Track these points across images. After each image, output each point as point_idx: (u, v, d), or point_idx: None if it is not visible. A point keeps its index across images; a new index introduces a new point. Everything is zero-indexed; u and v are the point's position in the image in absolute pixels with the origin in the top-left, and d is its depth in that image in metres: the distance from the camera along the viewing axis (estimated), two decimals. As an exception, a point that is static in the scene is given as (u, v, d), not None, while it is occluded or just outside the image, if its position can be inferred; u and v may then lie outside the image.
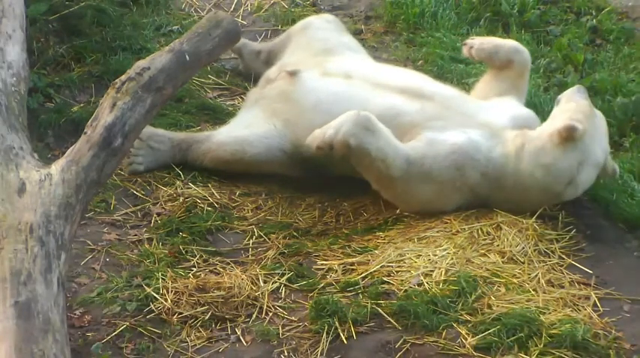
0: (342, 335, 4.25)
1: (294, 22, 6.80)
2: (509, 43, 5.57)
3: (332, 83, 5.37)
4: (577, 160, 4.95)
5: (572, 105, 5.10)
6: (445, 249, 4.73)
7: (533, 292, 4.51)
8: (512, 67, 5.44)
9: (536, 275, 4.63)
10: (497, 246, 4.79)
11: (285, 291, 4.56)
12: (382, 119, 5.01)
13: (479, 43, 5.52)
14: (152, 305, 4.40)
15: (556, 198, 5.03)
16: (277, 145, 5.36)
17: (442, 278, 4.54)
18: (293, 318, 4.39)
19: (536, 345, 4.17)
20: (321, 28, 5.91)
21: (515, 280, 4.58)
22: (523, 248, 4.79)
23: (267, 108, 5.46)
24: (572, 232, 4.98)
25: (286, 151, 5.35)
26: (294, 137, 5.29)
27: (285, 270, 4.66)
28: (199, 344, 4.26)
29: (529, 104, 5.71)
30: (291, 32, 6.08)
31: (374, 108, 5.06)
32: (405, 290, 4.48)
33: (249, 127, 5.45)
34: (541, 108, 5.68)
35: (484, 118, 5.15)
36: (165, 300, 4.42)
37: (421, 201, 5.03)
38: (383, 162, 4.94)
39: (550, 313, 4.36)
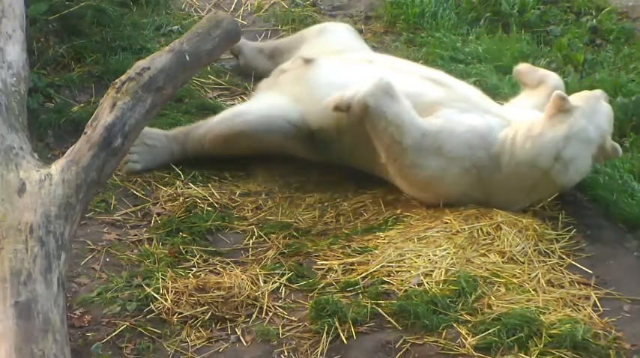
0: (342, 335, 4.25)
1: (294, 22, 6.82)
2: (547, 72, 5.64)
3: (351, 64, 5.44)
4: (563, 133, 4.94)
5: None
6: (445, 249, 4.73)
7: (533, 292, 4.51)
8: (544, 88, 5.46)
9: (536, 275, 4.63)
10: (497, 246, 4.79)
11: (285, 291, 4.56)
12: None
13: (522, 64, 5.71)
14: (152, 305, 4.40)
15: (546, 178, 4.98)
16: (282, 115, 5.34)
17: (442, 278, 4.54)
18: (293, 318, 4.39)
19: (536, 345, 4.17)
20: (339, 32, 5.95)
21: (515, 280, 4.58)
22: (523, 248, 4.79)
23: (279, 90, 5.49)
24: (572, 232, 4.99)
25: (291, 121, 5.33)
26: (302, 109, 5.31)
27: (285, 270, 4.66)
28: (199, 344, 4.26)
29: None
30: (305, 34, 6.10)
31: (396, 86, 5.11)
32: (405, 290, 4.48)
33: (254, 102, 5.51)
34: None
35: (502, 112, 5.22)
36: (165, 300, 4.42)
37: (428, 176, 5.03)
38: (397, 129, 4.98)
39: (550, 313, 4.36)
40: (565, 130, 4.95)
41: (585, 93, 5.19)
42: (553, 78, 5.51)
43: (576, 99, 5.07)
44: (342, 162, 5.38)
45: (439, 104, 5.13)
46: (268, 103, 5.44)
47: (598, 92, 5.19)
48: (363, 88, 5.01)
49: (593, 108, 5.05)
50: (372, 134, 5.06)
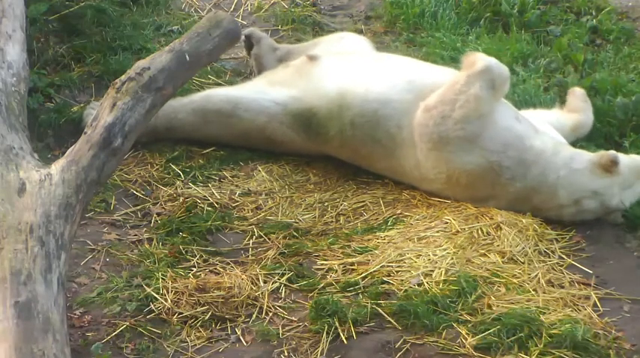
0: (342, 335, 4.25)
1: (294, 22, 6.83)
2: (590, 110, 5.68)
3: (355, 58, 5.54)
4: (596, 187, 4.98)
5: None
6: (445, 249, 4.73)
7: (533, 292, 4.51)
8: (575, 116, 5.58)
9: (536, 276, 4.63)
10: (497, 246, 4.79)
11: (285, 291, 4.56)
12: (416, 79, 5.22)
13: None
14: (152, 305, 4.40)
15: (557, 209, 5.02)
16: (269, 98, 5.46)
17: (442, 278, 4.54)
18: (293, 318, 4.39)
19: (536, 345, 4.17)
20: (355, 41, 5.99)
21: (515, 280, 4.58)
22: (523, 248, 4.79)
23: (273, 79, 5.59)
24: (572, 232, 4.99)
25: (278, 103, 5.42)
26: (295, 91, 5.41)
27: (285, 270, 4.66)
28: (199, 344, 4.26)
29: (529, 104, 5.73)
30: (320, 39, 6.19)
31: (405, 72, 5.26)
32: (405, 290, 4.48)
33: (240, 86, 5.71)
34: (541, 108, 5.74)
35: (530, 120, 5.27)
36: (165, 300, 4.42)
37: (451, 152, 5.03)
38: (472, 102, 5.01)
39: (550, 313, 4.36)
40: (598, 186, 4.98)
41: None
42: (587, 116, 5.59)
43: (627, 161, 5.08)
44: (328, 146, 5.41)
45: None
46: (255, 87, 5.58)
47: None
48: (491, 60, 5.13)
49: (631, 184, 5.07)
50: (450, 83, 5.08)
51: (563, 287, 4.59)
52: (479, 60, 5.12)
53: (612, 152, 5.05)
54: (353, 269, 4.67)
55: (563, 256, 4.81)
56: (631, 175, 5.07)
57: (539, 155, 5.04)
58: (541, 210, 5.04)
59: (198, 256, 4.76)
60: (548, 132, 5.25)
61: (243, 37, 6.06)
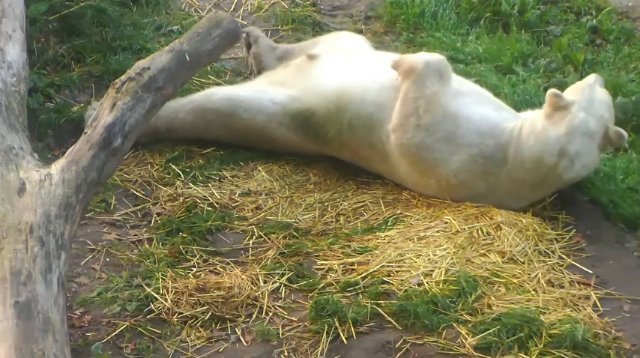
0: (342, 335, 4.25)
1: (294, 22, 6.83)
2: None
3: (355, 57, 5.54)
4: (564, 129, 4.96)
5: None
6: (445, 249, 4.73)
7: (533, 292, 4.51)
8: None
9: (536, 275, 4.63)
10: (497, 246, 4.79)
11: (285, 291, 4.56)
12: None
13: None
14: (152, 305, 4.40)
15: (552, 173, 5.00)
16: (268, 97, 5.47)
17: (442, 278, 4.54)
18: (293, 318, 4.39)
19: (536, 345, 4.17)
20: (353, 40, 6.00)
21: (515, 280, 4.58)
22: (523, 248, 4.79)
23: (274, 78, 5.60)
24: (572, 232, 4.99)
25: (277, 102, 5.44)
26: (294, 91, 5.42)
27: (285, 270, 4.66)
28: (199, 344, 4.26)
29: (529, 104, 5.73)
30: (319, 39, 6.19)
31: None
32: (405, 290, 4.48)
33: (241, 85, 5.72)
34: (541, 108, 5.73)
35: (513, 111, 5.28)
36: (165, 300, 4.42)
37: (434, 158, 5.06)
38: (426, 104, 5.03)
39: (550, 313, 4.36)
40: (565, 127, 4.96)
41: (579, 84, 5.22)
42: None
43: (571, 92, 5.10)
44: (327, 147, 5.41)
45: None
46: (255, 86, 5.60)
47: (591, 79, 5.19)
48: (423, 55, 5.17)
49: (590, 99, 5.06)
50: (402, 97, 5.09)
51: (563, 287, 4.59)
52: (413, 62, 5.12)
53: (550, 90, 5.07)
54: (353, 270, 4.67)
55: (563, 256, 4.81)
56: (580, 95, 5.04)
57: (511, 133, 5.04)
58: (543, 184, 5.03)
59: (198, 256, 4.76)
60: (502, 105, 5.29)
61: (244, 36, 6.06)
